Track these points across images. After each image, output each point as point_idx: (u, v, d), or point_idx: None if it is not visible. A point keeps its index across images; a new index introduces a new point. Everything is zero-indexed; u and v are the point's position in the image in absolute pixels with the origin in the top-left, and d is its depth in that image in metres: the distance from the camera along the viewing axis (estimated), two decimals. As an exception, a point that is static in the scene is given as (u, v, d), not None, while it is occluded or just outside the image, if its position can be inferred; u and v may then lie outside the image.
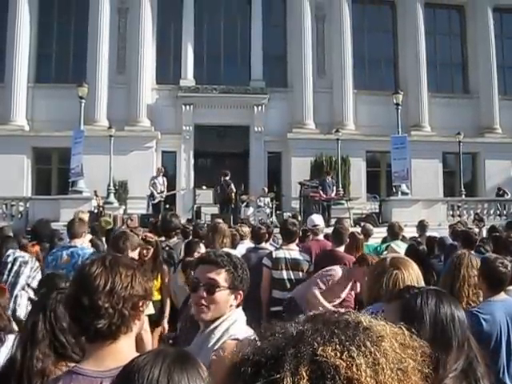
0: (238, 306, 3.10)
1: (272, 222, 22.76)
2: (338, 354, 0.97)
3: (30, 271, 6.78)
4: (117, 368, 1.86)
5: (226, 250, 5.11)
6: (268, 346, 1.01)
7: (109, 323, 2.13)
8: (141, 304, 2.21)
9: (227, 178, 24.05)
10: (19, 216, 24.87)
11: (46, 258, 7.71)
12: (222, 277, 3.02)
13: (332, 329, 1.02)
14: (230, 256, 3.17)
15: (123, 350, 2.16)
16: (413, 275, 3.44)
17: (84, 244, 7.77)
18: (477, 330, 3.49)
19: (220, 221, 10.64)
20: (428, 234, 11.80)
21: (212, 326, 2.99)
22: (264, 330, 1.08)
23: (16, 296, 6.36)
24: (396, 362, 1.00)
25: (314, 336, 1.00)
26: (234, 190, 23.98)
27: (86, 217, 12.17)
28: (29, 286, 6.51)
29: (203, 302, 2.99)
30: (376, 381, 0.96)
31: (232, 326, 2.97)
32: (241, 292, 3.08)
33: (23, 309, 6.11)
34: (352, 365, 0.96)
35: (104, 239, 10.41)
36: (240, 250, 8.59)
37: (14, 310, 6.13)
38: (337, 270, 7.06)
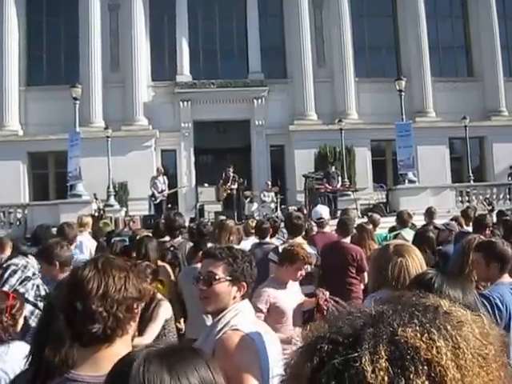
0: (243, 298, 3.13)
1: (278, 217, 22.25)
2: (418, 336, 0.96)
3: (16, 280, 6.50)
4: None
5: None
6: (345, 324, 1.00)
7: (103, 327, 2.09)
8: (135, 306, 2.18)
9: (231, 171, 24.08)
10: (17, 223, 24.55)
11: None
12: (220, 269, 3.07)
13: (411, 310, 1.01)
14: (231, 249, 3.23)
15: (120, 354, 2.01)
16: (417, 262, 3.48)
17: (85, 249, 8.03)
18: (489, 312, 3.61)
19: (225, 218, 10.81)
20: (436, 221, 11.68)
21: (216, 318, 3.05)
22: (341, 311, 1.08)
23: None
24: (477, 347, 0.98)
25: (393, 317, 1.00)
26: (233, 186, 23.79)
27: (89, 220, 11.97)
28: (16, 292, 6.05)
29: (204, 294, 3.08)
30: (457, 364, 0.95)
31: (235, 317, 2.99)
32: (244, 284, 3.09)
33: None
34: (432, 347, 0.94)
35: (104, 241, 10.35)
36: (245, 246, 8.23)
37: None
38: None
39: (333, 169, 25.51)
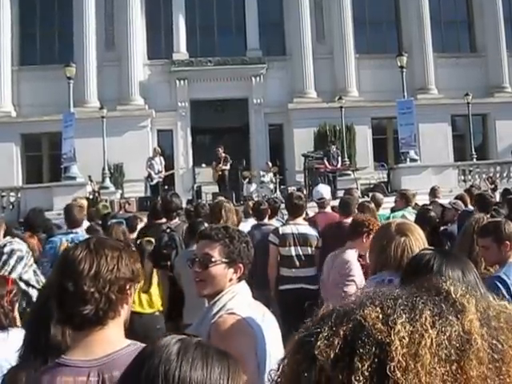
0: (240, 280, 3.05)
1: (277, 198, 21.94)
2: (381, 318, 0.95)
3: (21, 268, 6.48)
4: (106, 356, 2.03)
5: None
6: (337, 310, 1.01)
7: (95, 309, 2.06)
8: (128, 287, 2.15)
9: (222, 153, 23.77)
10: (10, 207, 24.35)
11: (43, 248, 7.73)
12: (216, 250, 3.00)
13: (382, 295, 1.01)
14: (227, 229, 3.14)
15: (111, 337, 2.10)
16: (420, 241, 3.39)
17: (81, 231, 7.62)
18: (505, 294, 3.53)
19: (223, 198, 10.46)
20: (440, 201, 11.54)
21: (212, 301, 3.01)
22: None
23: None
24: (456, 340, 0.94)
25: (369, 301, 1.00)
26: (224, 167, 23.51)
27: (84, 203, 11.81)
28: (21, 279, 6.22)
29: (199, 277, 3.03)
30: (411, 352, 0.92)
31: (231, 299, 2.94)
32: (240, 265, 3.02)
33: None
34: (391, 330, 0.93)
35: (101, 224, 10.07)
36: (244, 228, 7.90)
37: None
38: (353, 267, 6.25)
39: (334, 148, 25.08)
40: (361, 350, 0.91)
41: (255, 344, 2.81)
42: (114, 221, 10.10)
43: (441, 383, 0.91)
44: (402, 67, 25.75)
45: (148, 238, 6.89)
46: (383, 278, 3.37)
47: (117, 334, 2.16)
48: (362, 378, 0.90)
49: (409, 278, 2.36)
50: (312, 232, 7.82)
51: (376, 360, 0.90)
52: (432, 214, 7.99)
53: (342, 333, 0.93)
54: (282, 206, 11.22)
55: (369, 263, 4.55)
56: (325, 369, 0.91)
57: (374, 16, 32.60)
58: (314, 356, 0.92)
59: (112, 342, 2.10)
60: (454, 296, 1.00)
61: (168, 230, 7.82)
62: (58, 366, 2.10)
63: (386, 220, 9.59)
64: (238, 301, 2.94)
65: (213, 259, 2.98)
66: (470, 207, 9.75)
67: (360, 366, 0.90)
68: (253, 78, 30.87)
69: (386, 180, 26.12)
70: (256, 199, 19.51)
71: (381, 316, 0.94)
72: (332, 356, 0.91)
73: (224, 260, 2.99)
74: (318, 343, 0.93)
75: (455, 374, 0.92)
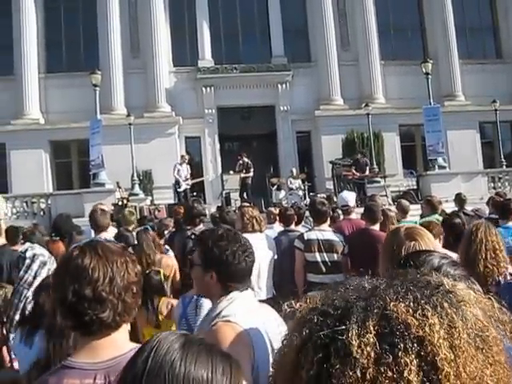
0: (225, 289, 2.95)
1: (306, 205, 21.83)
2: (411, 311, 0.94)
3: (46, 273, 6.23)
4: (112, 359, 2.04)
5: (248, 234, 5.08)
6: (339, 297, 1.00)
7: (113, 314, 2.09)
8: (135, 290, 2.18)
9: (244, 159, 23.72)
10: (41, 213, 24.28)
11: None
12: (196, 255, 3.09)
13: (408, 286, 0.99)
14: (210, 234, 3.13)
15: (118, 340, 2.13)
16: (430, 245, 3.32)
17: (109, 237, 7.46)
18: None
19: (246, 204, 10.84)
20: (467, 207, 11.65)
21: (212, 307, 3.03)
22: (339, 284, 1.07)
23: (28, 297, 5.99)
24: (476, 328, 0.96)
25: (387, 291, 0.98)
26: (247, 174, 23.41)
27: (106, 208, 11.54)
28: None
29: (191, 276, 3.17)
30: (450, 344, 0.92)
31: (228, 306, 2.88)
32: (213, 272, 2.96)
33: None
34: (425, 324, 0.93)
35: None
36: (270, 234, 8.22)
37: (24, 309, 5.74)
38: None
39: (361, 156, 24.92)
40: (401, 346, 0.90)
41: (251, 352, 2.72)
42: (138, 228, 10.04)
43: (481, 370, 0.92)
44: (427, 74, 25.59)
45: (157, 269, 6.65)
46: None
47: (123, 337, 2.20)
48: (413, 373, 0.89)
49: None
50: (337, 238, 7.77)
51: (420, 354, 0.90)
52: (457, 220, 7.71)
53: (372, 328, 0.91)
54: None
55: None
56: (367, 367, 0.89)
57: (398, 22, 32.53)
58: (349, 355, 0.90)
59: (118, 345, 2.12)
60: (448, 287, 1.01)
61: (192, 236, 7.81)
62: (64, 369, 2.11)
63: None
64: (234, 307, 2.87)
65: (193, 262, 3.08)
66: (492, 215, 9.69)
67: (408, 361, 0.89)
68: (279, 85, 30.81)
69: (415, 187, 26.02)
70: (285, 206, 19.51)
71: (410, 310, 0.93)
72: (373, 355, 0.89)
73: (199, 263, 3.03)
74: (353, 342, 0.90)
75: (489, 359, 0.93)
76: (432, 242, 3.44)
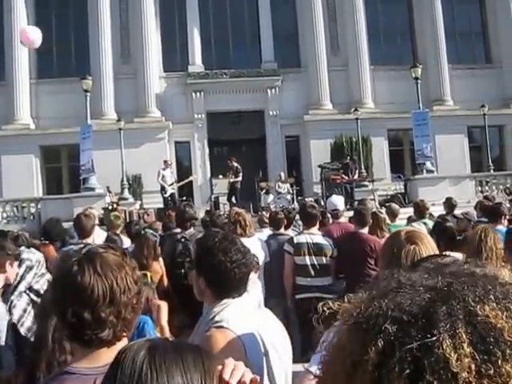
0: (216, 295, 2.94)
1: (294, 209, 21.96)
2: (499, 314, 0.84)
3: (32, 278, 6.22)
4: None
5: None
6: (406, 300, 0.88)
7: (113, 332, 2.07)
8: (136, 302, 2.14)
9: (234, 164, 23.75)
10: (31, 218, 24.36)
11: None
12: (193, 259, 3.17)
13: (483, 283, 0.89)
14: (204, 240, 3.15)
15: (118, 347, 2.00)
16: (429, 249, 3.35)
17: (97, 240, 7.55)
18: None
19: (237, 209, 10.19)
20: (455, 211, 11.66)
21: (206, 312, 3.05)
22: (385, 280, 0.96)
23: (12, 300, 5.88)
24: None
25: (465, 291, 0.87)
26: (236, 179, 23.47)
27: (94, 213, 11.52)
28: (30, 289, 6.03)
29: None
30: None
31: (221, 311, 2.86)
32: (202, 277, 2.97)
33: (17, 313, 5.79)
34: None
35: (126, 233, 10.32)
36: (260, 238, 8.24)
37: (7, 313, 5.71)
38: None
39: (351, 161, 25.07)
40: (499, 353, 0.81)
41: (244, 358, 2.58)
42: (150, 231, 10.15)
43: None
44: (416, 78, 25.68)
45: (144, 272, 6.75)
46: None
47: (124, 343, 2.13)
48: None
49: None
50: (326, 242, 7.85)
51: None
52: (449, 224, 7.86)
53: (465, 336, 0.82)
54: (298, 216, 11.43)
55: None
56: (469, 381, 0.80)
57: (388, 28, 32.68)
58: (448, 369, 0.80)
59: (118, 349, 2.06)
60: (507, 280, 0.94)
61: (182, 240, 7.91)
62: (63, 374, 2.09)
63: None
64: (227, 312, 2.85)
65: (191, 267, 3.14)
66: (482, 218, 9.67)
67: (510, 369, 0.81)
68: (268, 90, 30.98)
69: (403, 191, 26.13)
70: (273, 210, 19.63)
71: (498, 312, 0.84)
72: (473, 367, 0.80)
73: (192, 267, 3.07)
74: (452, 355, 0.80)
75: None
76: (432, 246, 3.46)
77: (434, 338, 0.82)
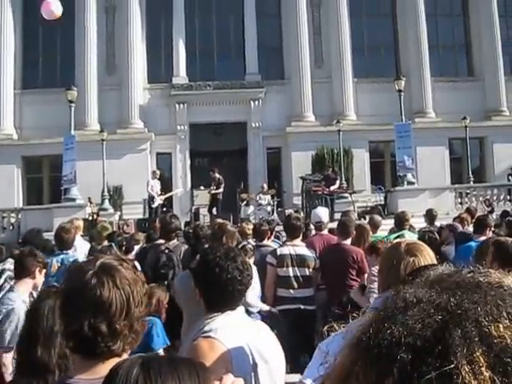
0: (208, 306, 2.99)
1: (273, 220, 22.04)
2: None
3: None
4: None
5: None
6: (418, 322, 0.82)
7: (123, 344, 2.08)
8: (144, 315, 2.17)
9: (216, 175, 23.69)
10: (11, 228, 24.43)
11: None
12: (193, 269, 3.30)
13: (492, 298, 0.83)
14: (205, 253, 3.20)
15: (118, 357, 2.07)
16: (429, 261, 3.36)
17: (78, 251, 7.92)
18: None
19: (222, 221, 10.20)
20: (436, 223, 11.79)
21: (198, 322, 3.04)
22: (390, 299, 0.90)
23: None
24: None
25: (477, 310, 0.82)
26: (217, 191, 23.43)
27: (80, 224, 11.70)
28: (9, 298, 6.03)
29: None
30: None
31: (211, 322, 2.88)
32: (197, 289, 3.04)
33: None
34: None
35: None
36: None
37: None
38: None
39: (333, 173, 25.23)
40: None
41: (230, 368, 2.65)
42: (104, 244, 10.23)
43: None
44: (400, 91, 25.78)
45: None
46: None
47: (124, 356, 2.14)
48: None
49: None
50: (309, 253, 7.85)
51: None
52: (433, 235, 8.10)
53: (483, 360, 0.78)
54: (280, 227, 11.35)
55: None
56: None
57: (372, 41, 32.95)
58: None
59: (116, 361, 2.02)
60: None
61: (166, 251, 7.89)
62: None
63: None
64: (216, 323, 2.86)
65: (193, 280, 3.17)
66: (470, 228, 9.76)
67: None
68: (251, 102, 31.15)
69: (382, 203, 26.11)
70: (253, 221, 19.72)
71: None
72: None
73: (194, 282, 3.12)
74: (474, 382, 0.77)
75: None
76: (432, 258, 3.45)
77: (453, 366, 0.78)
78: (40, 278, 5.41)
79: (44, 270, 5.61)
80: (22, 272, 5.30)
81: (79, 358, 2.13)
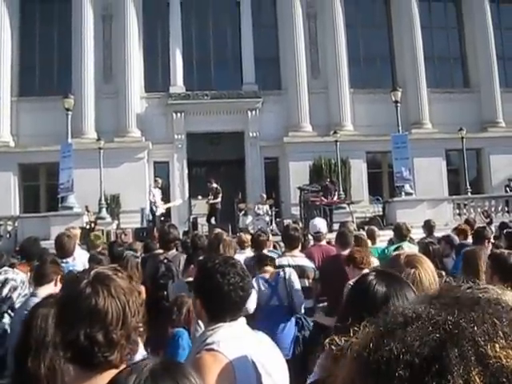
0: (210, 317, 2.93)
1: (272, 230, 21.98)
2: (510, 353, 0.81)
3: (16, 298, 6.43)
4: None
5: None
6: (415, 340, 0.84)
7: (121, 355, 2.07)
8: (140, 325, 2.16)
9: (213, 185, 23.70)
10: (8, 236, 24.20)
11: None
12: (193, 281, 3.25)
13: (489, 317, 0.85)
14: (204, 263, 3.17)
15: (115, 372, 1.97)
16: (429, 273, 3.29)
17: (77, 260, 7.71)
18: None
19: (221, 231, 10.40)
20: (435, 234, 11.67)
21: (201, 333, 3.08)
22: (390, 314, 0.92)
23: None
24: None
25: (473, 329, 0.84)
26: (215, 200, 23.42)
27: (77, 233, 11.66)
28: (14, 309, 6.14)
29: None
30: None
31: (213, 334, 2.83)
32: (198, 299, 2.99)
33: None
34: None
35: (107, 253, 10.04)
36: (240, 259, 7.84)
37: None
38: None
39: (331, 184, 25.22)
40: None
41: (233, 381, 2.69)
42: (130, 253, 10.15)
43: None
44: (396, 102, 25.91)
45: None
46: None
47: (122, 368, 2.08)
48: None
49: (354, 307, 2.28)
50: (308, 264, 7.77)
51: None
52: (435, 246, 7.94)
53: (478, 380, 0.79)
54: (278, 238, 11.31)
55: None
56: None
57: (368, 52, 33.08)
58: None
59: (114, 373, 2.00)
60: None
61: (165, 261, 7.84)
62: None
63: (381, 253, 9.76)
64: (219, 335, 2.83)
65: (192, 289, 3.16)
66: (469, 240, 9.71)
67: None
68: (249, 112, 31.16)
69: (381, 213, 26.19)
70: (252, 231, 19.65)
71: (509, 351, 0.82)
72: None
73: (194, 291, 3.11)
74: None
75: None
76: (432, 270, 3.40)
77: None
78: (57, 288, 5.25)
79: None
80: (43, 278, 5.27)
81: (77, 369, 2.11)
